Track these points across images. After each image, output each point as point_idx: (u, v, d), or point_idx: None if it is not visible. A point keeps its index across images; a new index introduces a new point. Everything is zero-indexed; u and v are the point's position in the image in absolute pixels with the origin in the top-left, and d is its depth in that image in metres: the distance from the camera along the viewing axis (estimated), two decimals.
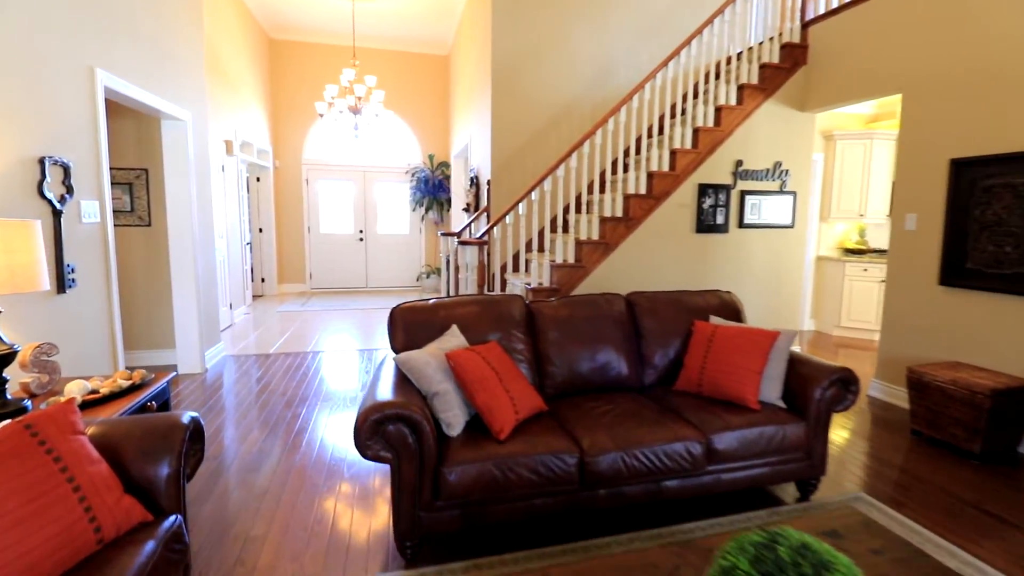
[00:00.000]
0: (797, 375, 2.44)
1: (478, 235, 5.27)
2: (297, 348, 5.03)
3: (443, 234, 5.10)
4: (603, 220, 4.16)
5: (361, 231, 8.87)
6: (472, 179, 5.79)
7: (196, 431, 1.67)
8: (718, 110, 4.35)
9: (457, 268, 5.15)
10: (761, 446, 2.25)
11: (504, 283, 4.86)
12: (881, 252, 5.85)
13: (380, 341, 5.33)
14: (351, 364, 4.55)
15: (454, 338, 2.32)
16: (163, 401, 2.27)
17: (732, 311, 2.90)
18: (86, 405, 1.89)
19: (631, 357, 2.68)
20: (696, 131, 4.31)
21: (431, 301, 2.53)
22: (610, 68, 5.23)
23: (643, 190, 4.23)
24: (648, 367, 2.72)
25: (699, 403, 2.42)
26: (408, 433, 1.84)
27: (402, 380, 2.09)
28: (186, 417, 1.65)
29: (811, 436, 2.34)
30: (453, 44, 8.03)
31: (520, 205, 4.02)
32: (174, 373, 2.34)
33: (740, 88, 4.40)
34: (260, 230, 8.06)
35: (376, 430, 1.81)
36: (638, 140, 5.25)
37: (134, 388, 2.07)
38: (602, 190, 5.09)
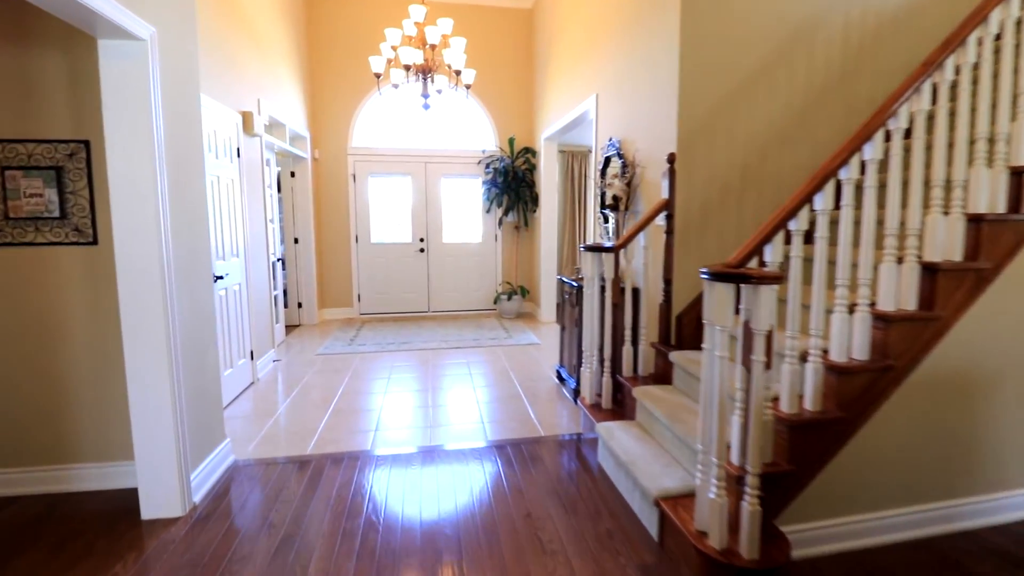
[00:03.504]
0: None
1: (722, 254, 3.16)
2: (348, 441, 3.04)
3: (587, 248, 3.03)
4: (971, 220, 2.01)
5: (422, 240, 6.91)
6: (609, 158, 3.69)
7: None
8: None
9: (616, 306, 3.08)
10: None
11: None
12: None
13: (471, 427, 3.30)
14: (446, 495, 2.52)
15: None
16: None
17: None
18: None
19: None
20: None
21: None
22: None
23: None
24: None
25: None
26: None
27: None
28: None
29: None
30: None
31: (816, 197, 1.90)
32: None
33: None
34: (296, 240, 6.20)
35: None
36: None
37: None
38: (906, 167, 2.91)
